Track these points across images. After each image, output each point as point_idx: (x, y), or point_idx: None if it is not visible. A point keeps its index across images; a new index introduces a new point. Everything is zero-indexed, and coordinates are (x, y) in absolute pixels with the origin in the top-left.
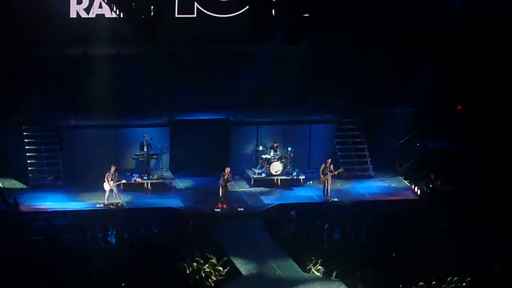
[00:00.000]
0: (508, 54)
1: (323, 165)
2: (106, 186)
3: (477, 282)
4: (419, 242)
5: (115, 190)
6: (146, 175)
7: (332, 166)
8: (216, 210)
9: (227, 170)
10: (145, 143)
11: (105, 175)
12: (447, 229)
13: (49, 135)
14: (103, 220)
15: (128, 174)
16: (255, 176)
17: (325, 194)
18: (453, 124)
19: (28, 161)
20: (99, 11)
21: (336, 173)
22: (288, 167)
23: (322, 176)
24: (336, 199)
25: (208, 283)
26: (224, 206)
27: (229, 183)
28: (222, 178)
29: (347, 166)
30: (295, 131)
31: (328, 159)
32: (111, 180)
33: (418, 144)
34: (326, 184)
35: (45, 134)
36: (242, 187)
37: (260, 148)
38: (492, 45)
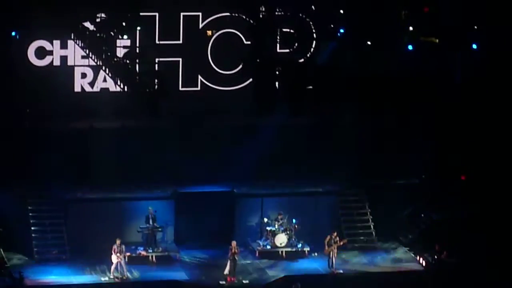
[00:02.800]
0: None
1: (329, 237)
2: (114, 258)
3: None
4: None
5: (122, 262)
6: (151, 247)
7: (338, 238)
8: (221, 282)
9: (234, 243)
10: (150, 216)
11: (112, 248)
12: None
13: (54, 209)
14: None
15: (133, 247)
16: (260, 248)
17: (330, 266)
18: (457, 194)
19: (33, 235)
20: (104, 85)
21: (340, 243)
22: (293, 239)
23: (327, 247)
24: (341, 271)
25: None
26: (233, 279)
27: (237, 256)
28: (230, 252)
29: (352, 237)
30: (299, 203)
31: (334, 231)
32: (118, 252)
33: (422, 215)
34: (331, 256)
35: (50, 207)
36: (247, 259)
37: (265, 220)
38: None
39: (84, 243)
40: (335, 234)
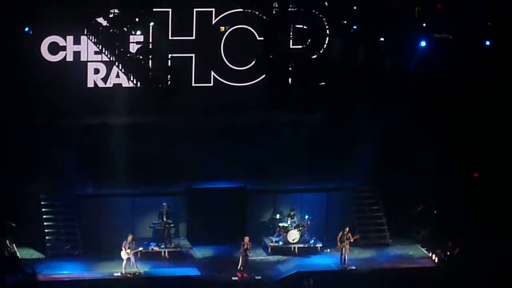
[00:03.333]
0: None
1: (341, 233)
2: (124, 254)
3: None
4: None
5: (132, 258)
6: (163, 243)
7: (350, 234)
8: (233, 278)
9: (246, 239)
10: (164, 211)
11: (122, 244)
12: None
13: (67, 204)
14: None
15: (146, 242)
16: (272, 244)
17: (343, 262)
18: (470, 191)
19: (46, 230)
20: (116, 81)
21: (352, 240)
22: (305, 235)
23: (339, 243)
24: (353, 267)
25: None
26: (245, 275)
27: (249, 252)
28: (242, 248)
29: (365, 233)
30: (312, 199)
31: (346, 227)
32: (129, 248)
33: (435, 212)
34: (344, 252)
35: (62, 203)
36: (259, 255)
37: (277, 216)
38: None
39: (96, 239)
40: (347, 229)
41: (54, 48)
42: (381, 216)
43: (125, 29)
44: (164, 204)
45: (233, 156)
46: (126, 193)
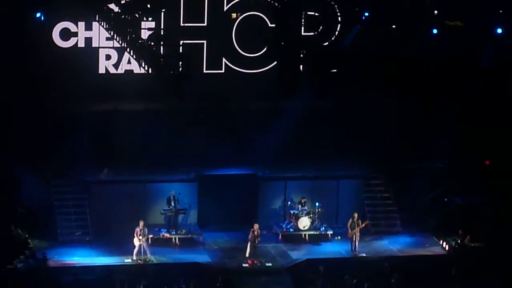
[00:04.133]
0: None
1: (350, 220)
2: (136, 241)
3: None
4: None
5: (144, 245)
6: (174, 230)
7: (359, 221)
8: (244, 265)
9: (256, 226)
10: (171, 198)
11: (135, 230)
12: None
13: (78, 190)
14: (131, 276)
15: (157, 229)
16: (283, 231)
17: (353, 249)
18: (481, 179)
19: (57, 216)
20: (128, 67)
21: (362, 225)
22: (316, 222)
23: (350, 231)
24: (364, 255)
25: None
26: (255, 261)
27: (258, 239)
28: (251, 234)
29: (375, 221)
30: (323, 187)
31: (354, 213)
32: (140, 235)
33: (446, 200)
34: (354, 239)
35: (73, 189)
36: (270, 242)
37: (288, 203)
38: None
39: (107, 225)
40: (356, 216)
41: (66, 34)
42: (391, 203)
43: (136, 15)
44: (172, 191)
45: (244, 142)
46: (137, 179)
